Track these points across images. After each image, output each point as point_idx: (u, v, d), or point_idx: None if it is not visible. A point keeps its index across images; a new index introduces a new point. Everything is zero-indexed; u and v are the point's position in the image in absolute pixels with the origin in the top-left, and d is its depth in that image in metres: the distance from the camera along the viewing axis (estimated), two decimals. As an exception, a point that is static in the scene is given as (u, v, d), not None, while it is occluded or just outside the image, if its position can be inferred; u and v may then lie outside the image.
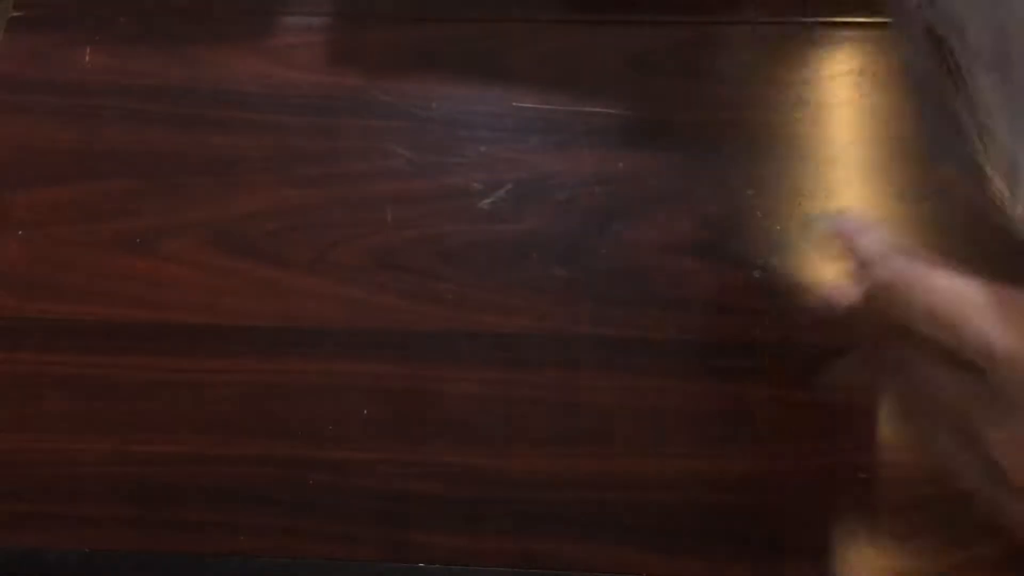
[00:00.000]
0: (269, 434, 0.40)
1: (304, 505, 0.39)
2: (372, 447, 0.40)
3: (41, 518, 0.39)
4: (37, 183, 0.45)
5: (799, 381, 0.40)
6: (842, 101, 0.44)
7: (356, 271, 0.42)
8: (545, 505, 0.39)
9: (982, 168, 0.29)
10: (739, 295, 0.41)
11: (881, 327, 0.30)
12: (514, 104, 0.46)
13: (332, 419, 0.40)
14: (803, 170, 0.43)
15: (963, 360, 0.26)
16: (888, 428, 0.38)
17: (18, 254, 0.44)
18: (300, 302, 0.42)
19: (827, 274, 0.40)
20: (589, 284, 0.42)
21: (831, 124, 0.44)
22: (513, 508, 0.39)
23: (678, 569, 0.38)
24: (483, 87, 0.46)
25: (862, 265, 0.31)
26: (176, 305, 0.42)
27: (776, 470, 0.39)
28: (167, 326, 0.42)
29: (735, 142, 0.44)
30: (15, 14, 0.49)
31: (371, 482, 0.39)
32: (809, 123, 0.44)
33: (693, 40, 0.46)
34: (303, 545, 0.38)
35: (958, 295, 0.26)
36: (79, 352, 0.42)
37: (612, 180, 0.44)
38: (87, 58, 0.48)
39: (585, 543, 0.38)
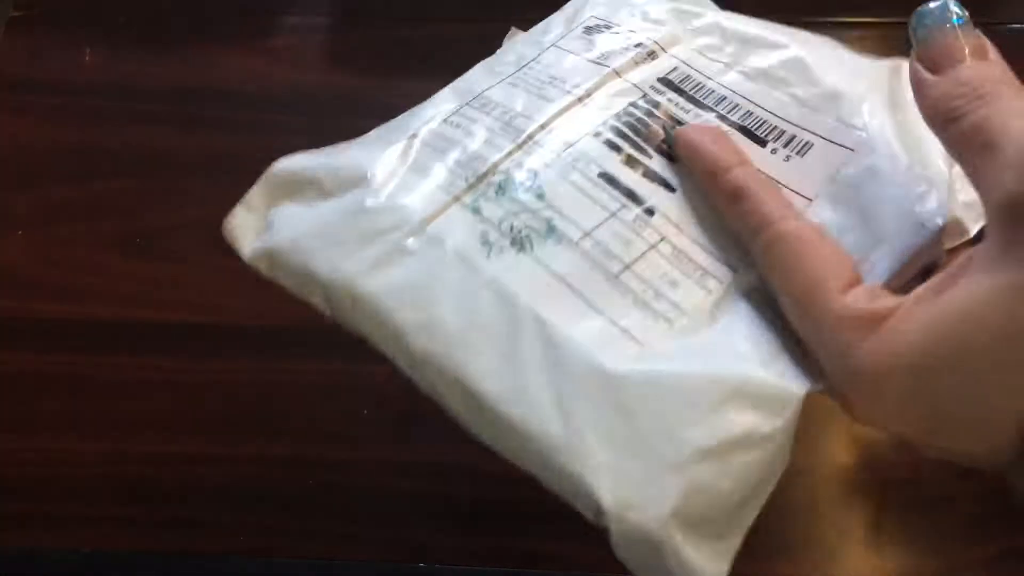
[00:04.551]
0: (269, 434, 0.40)
1: (304, 505, 0.39)
2: (372, 447, 0.40)
3: (41, 518, 0.39)
4: (37, 183, 0.45)
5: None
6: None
7: (356, 271, 0.42)
8: (545, 505, 0.38)
9: None
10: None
11: None
12: (514, 104, 0.45)
13: (332, 419, 0.40)
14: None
15: None
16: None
17: (18, 254, 0.44)
18: (300, 302, 0.42)
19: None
20: (589, 284, 0.42)
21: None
22: (513, 508, 0.38)
23: (678, 569, 0.38)
24: (483, 87, 0.46)
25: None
26: (176, 305, 0.42)
27: (776, 470, 0.39)
28: (167, 326, 0.42)
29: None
30: (15, 14, 0.49)
31: (371, 482, 0.39)
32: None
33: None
34: (303, 545, 0.38)
35: None
36: (79, 352, 0.42)
37: (612, 180, 0.44)
38: (87, 58, 0.48)
39: (585, 543, 0.38)
